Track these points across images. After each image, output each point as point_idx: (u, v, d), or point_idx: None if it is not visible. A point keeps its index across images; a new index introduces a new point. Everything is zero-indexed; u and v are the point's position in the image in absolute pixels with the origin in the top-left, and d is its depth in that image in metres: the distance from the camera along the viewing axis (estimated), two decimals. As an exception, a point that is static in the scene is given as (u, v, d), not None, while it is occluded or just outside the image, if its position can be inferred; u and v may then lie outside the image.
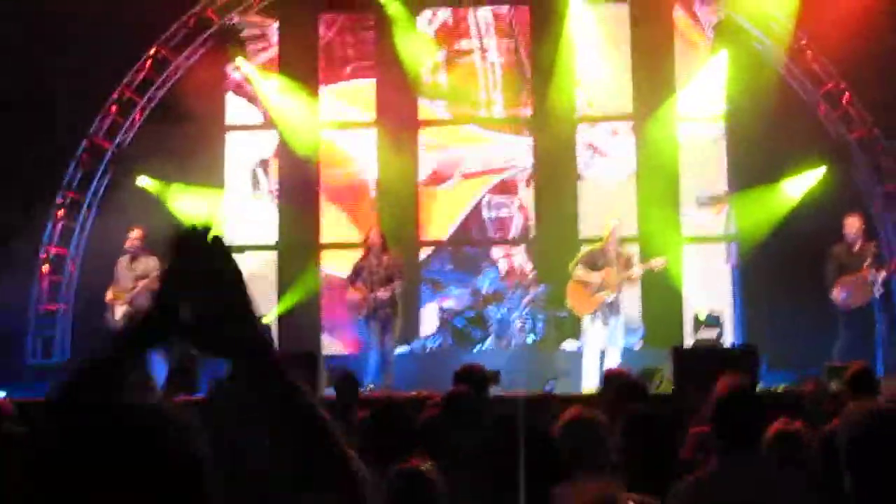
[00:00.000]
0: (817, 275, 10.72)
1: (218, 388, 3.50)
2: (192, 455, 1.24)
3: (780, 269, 11.77)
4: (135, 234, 10.96)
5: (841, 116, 12.52)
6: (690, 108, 13.03)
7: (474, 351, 11.50)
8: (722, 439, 3.68)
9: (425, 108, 13.48)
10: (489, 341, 11.80)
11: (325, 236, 13.41)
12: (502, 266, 13.09)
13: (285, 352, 11.73)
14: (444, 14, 13.57)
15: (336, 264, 13.03)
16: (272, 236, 13.38)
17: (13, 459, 3.20)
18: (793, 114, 12.28)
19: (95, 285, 11.24)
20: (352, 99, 13.60)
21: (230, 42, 13.35)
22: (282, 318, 12.78)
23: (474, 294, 12.40)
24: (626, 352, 10.91)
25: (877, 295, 10.46)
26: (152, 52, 13.10)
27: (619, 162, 13.33)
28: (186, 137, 12.38)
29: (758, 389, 8.23)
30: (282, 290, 13.00)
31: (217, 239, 1.45)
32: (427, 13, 13.45)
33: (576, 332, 11.22)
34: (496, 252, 13.37)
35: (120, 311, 10.81)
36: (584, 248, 11.00)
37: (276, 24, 13.50)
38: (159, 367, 10.19)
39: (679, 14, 13.27)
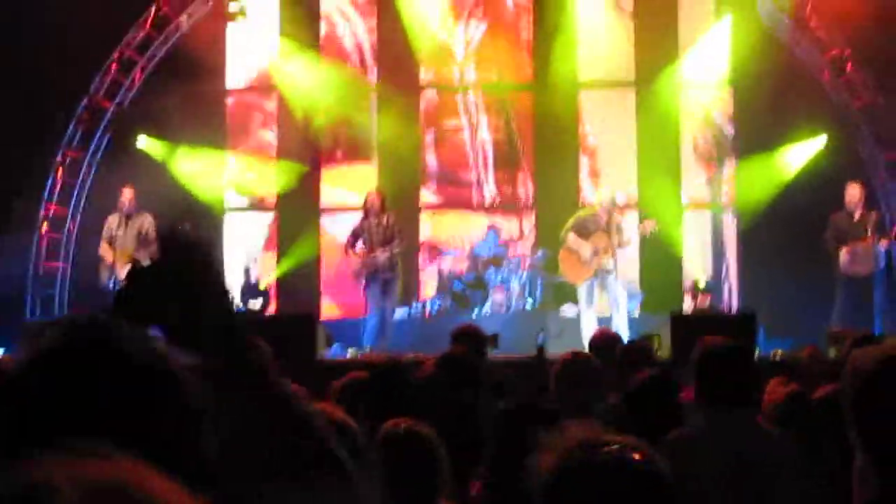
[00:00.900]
0: (817, 243, 10.71)
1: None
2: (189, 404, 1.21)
3: (780, 236, 11.75)
4: (127, 193, 10.95)
5: (845, 84, 12.45)
6: (693, 75, 12.96)
7: (473, 315, 11.52)
8: (704, 395, 3.66)
9: (428, 71, 13.39)
10: (488, 305, 11.81)
11: (325, 199, 13.39)
12: (501, 230, 13.06)
13: (283, 314, 11.78)
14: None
15: (336, 227, 13.01)
16: (272, 198, 13.36)
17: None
18: (797, 81, 12.21)
19: (95, 245, 11.24)
20: (353, 61, 13.51)
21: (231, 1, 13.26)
22: (280, 281, 12.79)
23: (474, 258, 12.39)
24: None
25: (881, 265, 10.46)
26: (153, 10, 13.01)
27: (620, 127, 13.27)
28: (187, 97, 12.32)
29: (756, 355, 8.24)
30: (281, 252, 13.00)
31: (202, 249, 1.45)
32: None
33: (575, 297, 11.21)
34: (496, 216, 13.35)
35: (123, 273, 10.80)
36: (576, 215, 10.94)
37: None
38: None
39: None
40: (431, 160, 13.51)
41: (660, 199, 12.26)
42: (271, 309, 12.49)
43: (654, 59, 12.84)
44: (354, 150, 13.46)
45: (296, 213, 13.02)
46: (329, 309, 12.93)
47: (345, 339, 10.91)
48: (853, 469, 2.58)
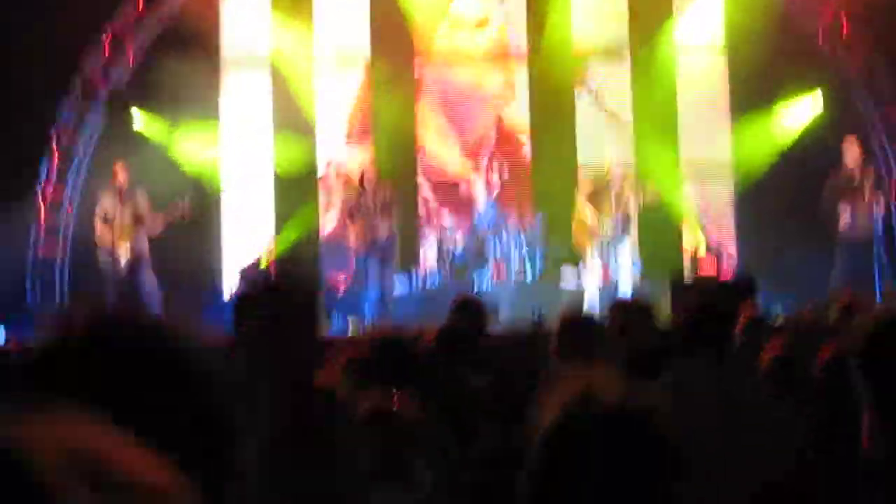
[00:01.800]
0: (816, 202, 10.70)
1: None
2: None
3: (778, 198, 11.74)
4: (121, 170, 10.95)
5: (841, 42, 12.39)
6: (688, 39, 12.89)
7: (473, 287, 11.52)
8: (685, 342, 3.71)
9: (422, 40, 13.31)
10: (488, 277, 11.81)
11: (323, 170, 13.37)
12: (501, 201, 13.04)
13: (283, 285, 11.77)
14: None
15: (336, 200, 13.00)
16: (270, 169, 13.32)
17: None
18: (792, 41, 12.15)
19: (92, 227, 11.25)
20: (347, 29, 13.43)
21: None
22: (280, 257, 12.77)
23: (473, 229, 12.38)
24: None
25: (878, 222, 10.44)
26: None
27: (617, 92, 13.24)
28: (181, 73, 12.25)
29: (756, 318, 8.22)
30: (280, 223, 12.98)
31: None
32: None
33: (574, 264, 11.23)
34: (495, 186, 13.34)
35: (123, 252, 10.79)
36: (587, 179, 10.96)
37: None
38: None
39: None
40: (429, 132, 13.46)
41: (658, 165, 12.25)
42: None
43: (649, 24, 12.79)
44: (351, 122, 13.41)
45: (294, 187, 12.98)
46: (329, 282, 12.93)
47: (345, 311, 10.93)
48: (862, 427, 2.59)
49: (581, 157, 13.01)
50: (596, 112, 13.27)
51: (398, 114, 12.93)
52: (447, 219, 13.04)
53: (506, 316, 9.41)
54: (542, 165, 13.07)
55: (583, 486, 1.45)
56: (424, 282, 12.21)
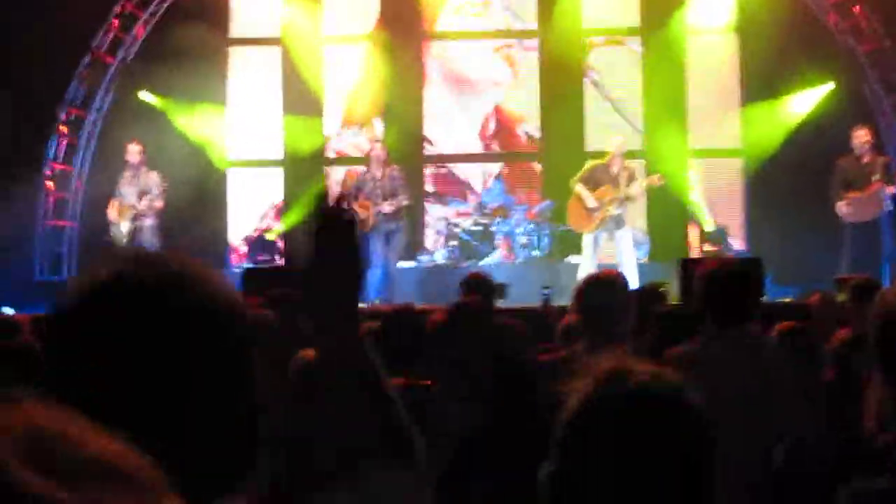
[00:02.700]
0: (824, 188, 10.67)
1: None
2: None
3: (787, 182, 11.71)
4: (135, 148, 10.96)
5: (851, 27, 12.34)
6: (699, 20, 12.84)
7: (480, 265, 11.53)
8: (708, 314, 3.74)
9: (429, 21, 13.26)
10: (495, 255, 11.82)
11: (332, 150, 13.37)
12: (508, 180, 13.03)
13: (292, 266, 11.79)
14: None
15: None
16: (278, 151, 13.31)
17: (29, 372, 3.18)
18: (803, 25, 12.10)
19: (101, 202, 11.27)
20: (355, 10, 13.39)
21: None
22: (287, 234, 12.79)
23: (480, 208, 12.38)
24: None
25: (886, 209, 10.42)
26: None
27: (626, 75, 13.20)
28: (190, 52, 12.22)
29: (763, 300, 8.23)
30: (288, 205, 12.98)
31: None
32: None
33: (581, 247, 11.21)
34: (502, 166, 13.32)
35: (125, 227, 10.83)
36: (587, 164, 10.93)
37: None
38: None
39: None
40: (437, 111, 13.42)
41: (666, 147, 12.23)
42: (279, 261, 12.53)
43: (660, 6, 12.74)
44: (359, 102, 13.39)
45: (302, 165, 12.97)
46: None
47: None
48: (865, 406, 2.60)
49: (589, 143, 12.98)
50: (604, 97, 13.22)
51: (405, 94, 12.90)
52: (453, 198, 13.02)
53: (512, 293, 9.40)
54: (551, 150, 13.04)
55: (612, 462, 1.45)
56: (431, 259, 12.21)
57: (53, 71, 12.31)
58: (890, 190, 10.33)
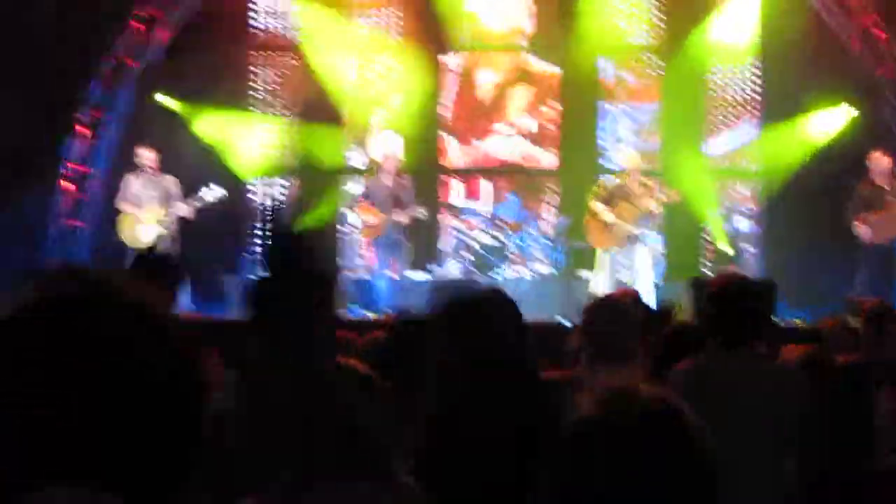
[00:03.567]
0: (840, 212, 10.63)
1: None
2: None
3: (804, 204, 11.66)
4: (149, 154, 10.98)
5: (873, 52, 12.29)
6: (719, 40, 12.82)
7: (494, 279, 11.50)
8: (715, 329, 3.73)
9: (449, 32, 13.23)
10: (509, 270, 11.80)
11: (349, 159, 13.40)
12: (524, 194, 13.01)
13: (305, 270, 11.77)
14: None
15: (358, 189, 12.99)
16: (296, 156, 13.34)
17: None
18: (825, 47, 12.06)
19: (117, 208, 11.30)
20: (376, 20, 13.42)
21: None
22: (300, 240, 12.77)
23: (495, 222, 12.36)
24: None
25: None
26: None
27: (643, 94, 13.19)
28: (211, 57, 12.27)
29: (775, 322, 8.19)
30: (301, 212, 12.99)
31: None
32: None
33: (595, 264, 11.18)
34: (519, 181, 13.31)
35: (153, 233, 10.80)
36: (603, 181, 10.91)
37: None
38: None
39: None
40: (454, 122, 13.43)
41: (684, 165, 12.19)
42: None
43: (681, 24, 12.72)
44: (377, 111, 13.40)
45: (317, 173, 12.98)
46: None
47: (359, 300, 10.96)
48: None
49: (605, 161, 12.98)
50: (621, 115, 13.21)
51: (423, 105, 12.90)
52: (469, 211, 13.01)
53: (525, 309, 9.36)
54: (568, 167, 13.03)
55: (612, 482, 1.44)
56: (445, 272, 12.20)
57: (74, 72, 12.36)
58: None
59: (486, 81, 13.45)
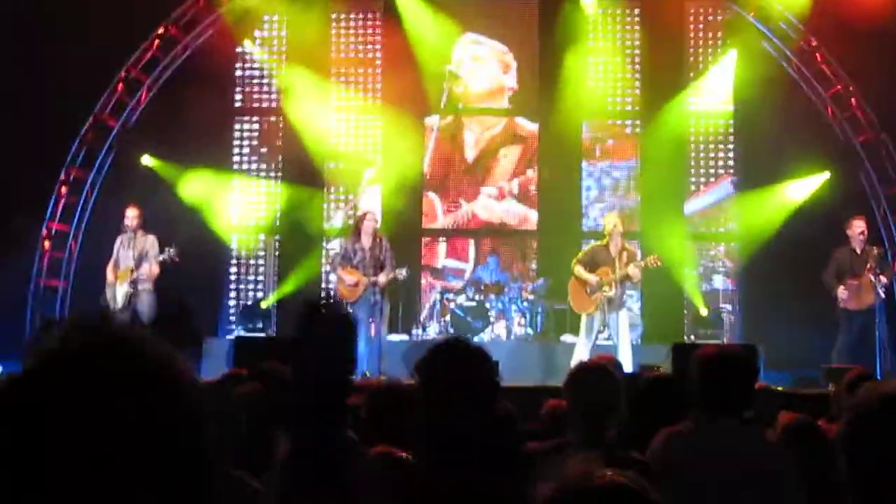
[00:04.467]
0: (818, 277, 10.69)
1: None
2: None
3: (781, 270, 11.74)
4: (133, 213, 10.95)
5: (848, 119, 12.48)
6: (698, 106, 13.00)
7: (474, 341, 11.47)
8: (702, 399, 3.73)
9: (433, 95, 13.34)
10: (489, 332, 11.78)
11: (330, 222, 13.41)
12: (503, 257, 13.04)
13: (285, 335, 11.72)
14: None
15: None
16: (275, 219, 13.35)
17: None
18: (800, 115, 12.25)
19: (96, 263, 11.24)
20: (358, 86, 13.53)
21: (240, 24, 13.25)
22: (281, 302, 12.76)
23: (475, 284, 12.37)
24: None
25: (878, 299, 10.42)
26: (161, 30, 13.05)
27: (623, 157, 13.31)
28: (193, 119, 12.33)
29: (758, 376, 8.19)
30: (282, 273, 12.99)
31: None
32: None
33: (575, 326, 11.18)
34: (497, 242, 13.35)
35: (121, 292, 10.78)
36: (586, 246, 10.96)
37: (285, 16, 13.40)
38: None
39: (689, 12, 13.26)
40: (436, 184, 13.50)
41: (663, 227, 12.27)
42: (272, 330, 12.48)
43: (660, 90, 12.89)
44: (359, 173, 13.45)
45: (298, 234, 12.99)
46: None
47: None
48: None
49: (586, 223, 13.07)
50: (602, 178, 13.32)
51: (406, 166, 12.96)
52: (450, 273, 13.02)
53: (506, 371, 9.32)
54: (548, 228, 13.09)
55: None
56: (425, 334, 12.16)
57: (56, 131, 12.39)
58: (883, 280, 10.36)
59: (472, 142, 13.54)
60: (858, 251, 10.57)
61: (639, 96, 13.21)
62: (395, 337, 11.87)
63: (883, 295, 10.38)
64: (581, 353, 10.24)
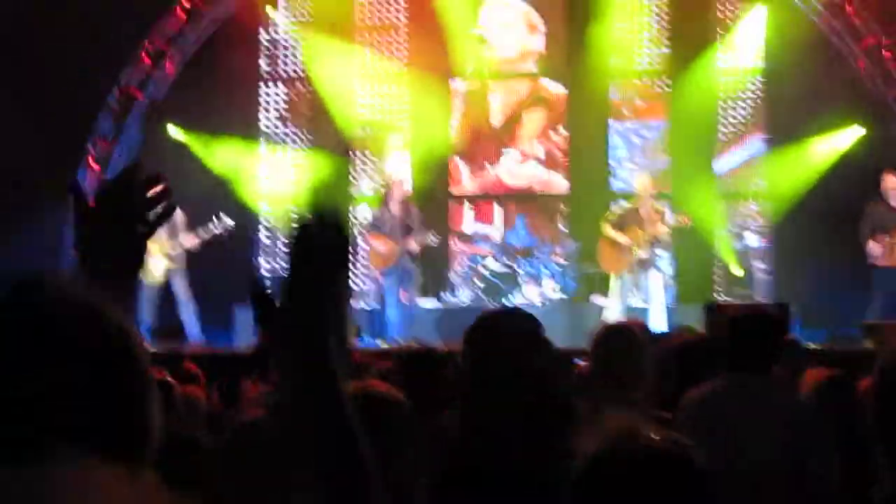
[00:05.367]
0: (852, 234, 10.59)
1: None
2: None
3: (815, 227, 11.61)
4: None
5: (881, 73, 12.28)
6: (727, 64, 12.84)
7: (505, 306, 11.46)
8: (731, 357, 3.77)
9: (460, 58, 13.22)
10: (519, 296, 11.76)
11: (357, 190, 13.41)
12: (533, 220, 12.99)
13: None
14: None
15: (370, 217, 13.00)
16: (304, 189, 13.35)
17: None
18: (832, 70, 12.06)
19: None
20: (384, 50, 13.46)
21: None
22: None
23: (505, 248, 12.34)
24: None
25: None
26: (185, 2, 13.03)
27: (651, 111, 13.19)
28: (220, 89, 12.33)
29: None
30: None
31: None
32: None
33: (605, 288, 11.14)
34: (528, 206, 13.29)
35: (160, 266, 10.83)
36: (615, 207, 10.90)
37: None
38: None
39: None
40: (463, 149, 13.43)
41: (693, 186, 12.17)
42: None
43: (688, 48, 12.74)
44: (385, 139, 13.42)
45: (327, 204, 12.94)
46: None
47: (371, 331, 10.93)
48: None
49: (615, 185, 12.98)
50: (630, 137, 13.21)
51: (434, 130, 12.92)
52: (479, 238, 12.99)
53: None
54: (577, 191, 13.02)
55: None
56: (455, 299, 12.16)
57: (85, 104, 12.43)
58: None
59: (498, 106, 13.45)
60: (893, 206, 10.45)
61: (667, 55, 13.05)
62: (426, 303, 11.86)
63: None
64: (612, 315, 10.23)
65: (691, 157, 12.60)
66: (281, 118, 13.57)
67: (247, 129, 13.14)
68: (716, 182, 12.82)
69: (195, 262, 11.20)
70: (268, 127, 13.53)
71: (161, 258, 10.86)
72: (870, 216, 10.47)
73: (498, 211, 13.34)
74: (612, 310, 10.35)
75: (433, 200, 12.48)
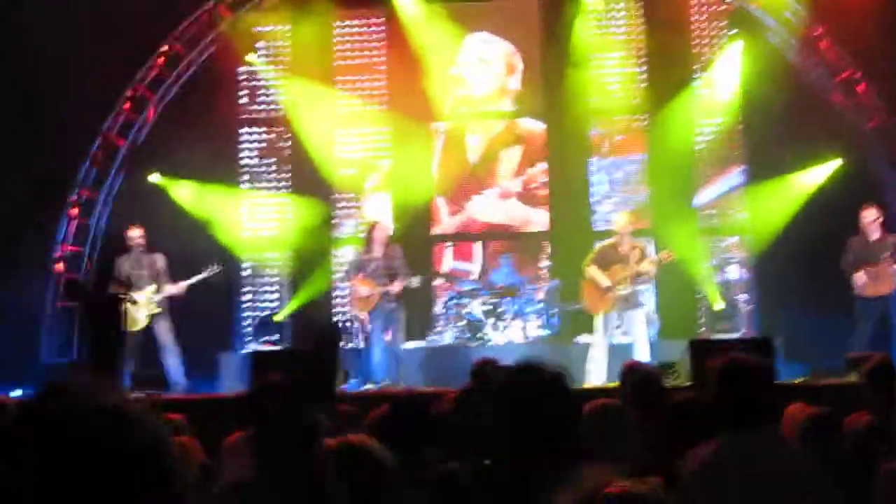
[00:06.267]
0: (833, 267, 10.65)
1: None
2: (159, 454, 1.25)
3: (795, 261, 11.67)
4: (136, 232, 10.98)
5: (856, 106, 12.42)
6: (706, 98, 12.95)
7: (489, 345, 11.46)
8: (725, 414, 3.52)
9: (438, 99, 13.27)
10: (504, 335, 11.76)
11: (339, 232, 13.39)
12: (516, 259, 13.02)
13: (300, 348, 11.71)
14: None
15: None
16: (286, 233, 13.34)
17: None
18: (808, 104, 12.18)
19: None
20: (364, 94, 13.52)
21: (243, 38, 13.26)
22: (295, 315, 12.75)
23: (489, 287, 12.35)
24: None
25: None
26: (165, 48, 13.08)
27: (632, 154, 13.27)
28: (200, 134, 12.35)
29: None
30: (295, 285, 12.97)
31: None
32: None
33: (591, 326, 11.15)
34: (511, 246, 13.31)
35: (143, 313, 10.78)
36: (597, 245, 10.94)
37: (287, 26, 13.40)
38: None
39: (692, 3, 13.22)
40: (443, 189, 13.46)
41: (674, 222, 12.23)
42: (286, 343, 12.47)
43: (666, 84, 12.84)
44: (370, 176, 13.43)
45: (310, 246, 12.96)
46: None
47: (357, 373, 10.89)
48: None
49: (596, 223, 13.01)
50: (611, 176, 13.27)
51: (414, 173, 12.96)
52: (463, 278, 13.00)
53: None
54: (559, 229, 13.05)
55: None
56: (440, 339, 12.14)
57: (65, 152, 12.42)
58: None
59: (477, 145, 13.50)
60: (872, 239, 10.53)
61: (645, 91, 13.15)
62: (410, 344, 11.85)
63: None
64: (597, 353, 10.24)
65: (672, 190, 12.66)
66: (261, 161, 13.57)
67: (227, 172, 13.14)
68: (697, 216, 12.89)
69: (177, 309, 11.15)
70: (248, 169, 13.53)
71: (144, 305, 10.82)
72: (850, 251, 10.56)
73: (477, 248, 13.35)
74: (596, 348, 10.36)
75: (416, 241, 12.50)
